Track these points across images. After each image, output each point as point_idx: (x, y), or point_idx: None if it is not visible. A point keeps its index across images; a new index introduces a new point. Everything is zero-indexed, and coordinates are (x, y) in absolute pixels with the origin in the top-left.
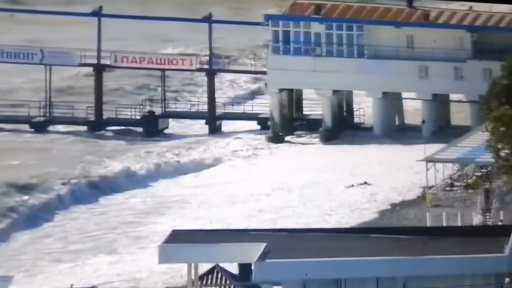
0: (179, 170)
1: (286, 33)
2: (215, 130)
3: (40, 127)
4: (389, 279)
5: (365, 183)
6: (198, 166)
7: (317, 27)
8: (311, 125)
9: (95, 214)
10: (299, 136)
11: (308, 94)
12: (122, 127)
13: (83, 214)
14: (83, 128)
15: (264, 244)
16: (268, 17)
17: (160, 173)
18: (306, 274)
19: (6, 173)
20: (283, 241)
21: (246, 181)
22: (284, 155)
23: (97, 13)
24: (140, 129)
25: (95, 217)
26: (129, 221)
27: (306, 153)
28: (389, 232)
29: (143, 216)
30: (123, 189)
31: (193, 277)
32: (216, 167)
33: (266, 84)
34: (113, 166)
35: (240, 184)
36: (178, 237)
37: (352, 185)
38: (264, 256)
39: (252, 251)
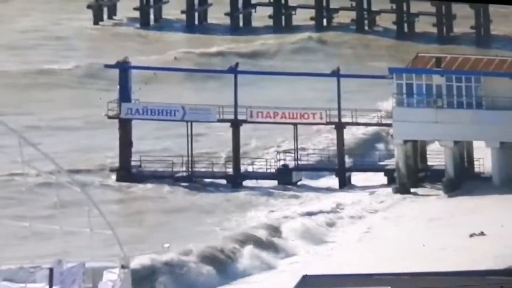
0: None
1: (409, 86)
2: (345, 183)
3: (183, 182)
4: None
5: (482, 233)
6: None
7: (438, 80)
8: (435, 176)
9: None
10: (423, 187)
11: (431, 145)
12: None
13: None
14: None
15: None
16: (392, 70)
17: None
18: None
19: None
20: (406, 284)
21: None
22: (413, 206)
23: (233, 70)
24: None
25: None
26: None
27: (431, 204)
28: (506, 274)
29: None
30: None
31: None
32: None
33: (391, 136)
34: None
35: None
36: (308, 282)
37: (473, 235)
38: None
39: None
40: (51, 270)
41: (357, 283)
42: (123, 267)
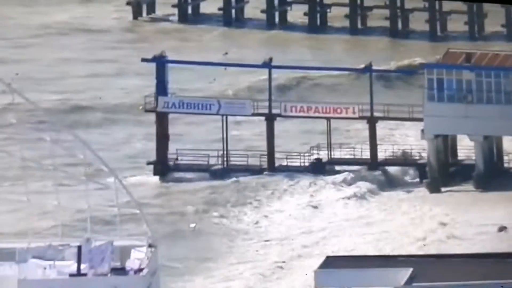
0: None
1: (440, 81)
2: None
3: (219, 175)
4: None
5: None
6: None
7: (468, 75)
8: (465, 171)
9: None
10: (454, 182)
11: (462, 140)
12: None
13: None
14: None
15: (411, 269)
16: (424, 65)
17: None
18: None
19: None
20: (429, 266)
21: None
22: (443, 200)
23: (267, 65)
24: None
25: None
26: None
27: (461, 199)
28: None
29: None
30: None
31: None
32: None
33: (422, 131)
34: None
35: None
36: (331, 263)
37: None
38: (410, 280)
39: (400, 276)
40: (79, 248)
41: (381, 265)
42: (150, 246)
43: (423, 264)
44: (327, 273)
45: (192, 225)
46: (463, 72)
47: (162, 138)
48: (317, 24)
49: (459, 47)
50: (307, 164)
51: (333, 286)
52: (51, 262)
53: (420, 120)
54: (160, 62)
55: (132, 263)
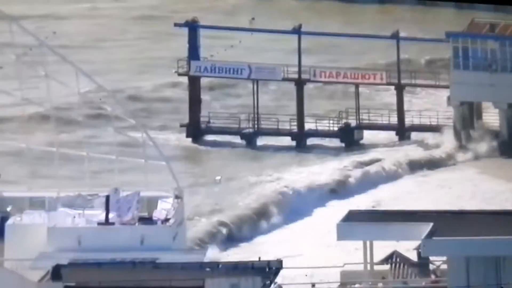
0: None
1: (465, 50)
2: (403, 139)
3: (249, 138)
4: None
5: None
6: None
7: (492, 44)
8: (490, 137)
9: None
10: (479, 147)
11: (487, 107)
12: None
13: None
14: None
15: (431, 224)
16: (449, 34)
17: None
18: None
19: None
20: (449, 221)
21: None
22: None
23: (297, 31)
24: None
25: None
26: None
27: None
28: None
29: None
30: None
31: (368, 254)
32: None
33: (448, 98)
34: None
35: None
36: (353, 216)
37: None
38: (431, 234)
39: (421, 230)
40: (107, 197)
41: (402, 219)
42: (176, 197)
43: (443, 219)
44: (349, 226)
45: (218, 177)
46: (488, 41)
47: (195, 101)
48: None
49: (484, 17)
50: (335, 129)
51: (354, 238)
52: (80, 211)
53: (447, 87)
54: (192, 27)
55: (158, 214)
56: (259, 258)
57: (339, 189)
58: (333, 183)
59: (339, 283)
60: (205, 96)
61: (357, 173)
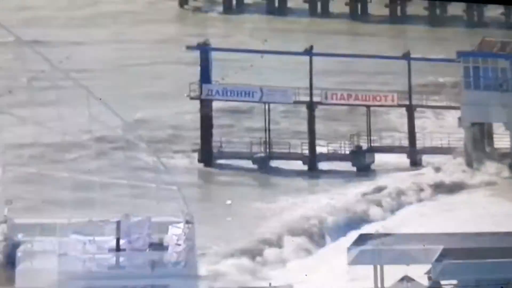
0: None
1: (476, 69)
2: (415, 161)
3: (261, 163)
4: None
5: None
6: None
7: (503, 63)
8: (501, 158)
9: None
10: (490, 169)
11: (498, 128)
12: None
13: None
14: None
15: (441, 247)
16: (460, 54)
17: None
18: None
19: None
20: (458, 244)
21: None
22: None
23: (309, 52)
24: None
25: None
26: None
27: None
28: None
29: None
30: None
31: (379, 277)
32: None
33: (459, 118)
34: None
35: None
36: (364, 240)
37: None
38: (441, 257)
39: (431, 253)
40: (118, 223)
41: (412, 242)
42: (187, 222)
43: (453, 242)
44: (360, 250)
45: (228, 201)
46: (498, 60)
47: (207, 126)
48: (358, 13)
49: (494, 36)
50: (347, 152)
51: (365, 263)
52: (91, 237)
53: (458, 108)
54: (204, 49)
55: (169, 239)
56: (270, 284)
57: (354, 217)
58: (350, 212)
59: None
60: (217, 120)
61: (370, 200)
